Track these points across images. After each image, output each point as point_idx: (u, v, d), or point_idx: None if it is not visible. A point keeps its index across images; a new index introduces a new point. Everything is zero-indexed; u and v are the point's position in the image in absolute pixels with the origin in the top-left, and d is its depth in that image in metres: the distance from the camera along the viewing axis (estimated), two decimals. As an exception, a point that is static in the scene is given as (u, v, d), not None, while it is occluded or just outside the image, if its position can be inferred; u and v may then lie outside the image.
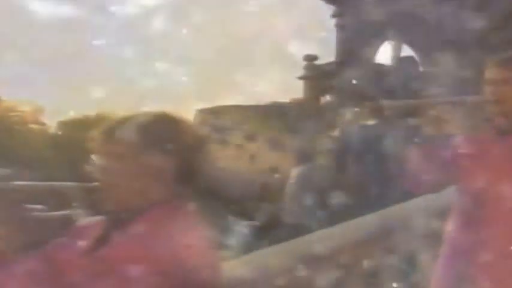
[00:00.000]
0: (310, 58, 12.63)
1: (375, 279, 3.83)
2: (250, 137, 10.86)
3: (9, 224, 1.48)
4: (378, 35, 11.62)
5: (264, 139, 10.77)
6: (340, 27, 12.42)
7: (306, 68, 12.59)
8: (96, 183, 1.51)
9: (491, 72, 2.23)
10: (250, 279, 3.15)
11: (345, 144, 8.74)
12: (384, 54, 11.85)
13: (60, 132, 20.87)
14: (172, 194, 1.51)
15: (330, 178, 7.77)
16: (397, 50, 11.52)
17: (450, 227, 2.31)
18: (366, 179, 7.33)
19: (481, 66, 2.35)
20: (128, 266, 1.41)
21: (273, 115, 11.29)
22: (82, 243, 1.49)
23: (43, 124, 21.33)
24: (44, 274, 1.48)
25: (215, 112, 11.49)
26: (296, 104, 12.01)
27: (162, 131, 1.53)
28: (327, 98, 11.85)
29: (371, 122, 2.43)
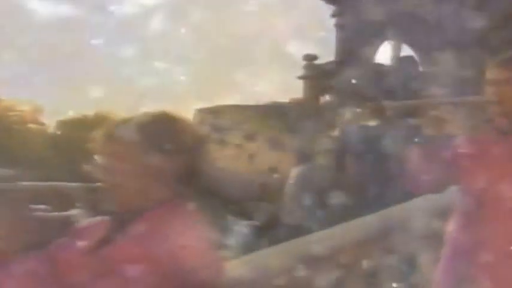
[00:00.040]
0: (310, 58, 12.62)
1: (374, 279, 3.82)
2: (250, 137, 10.84)
3: (12, 224, 1.47)
4: (377, 35, 11.61)
5: (263, 139, 10.76)
6: (339, 26, 12.40)
7: (306, 67, 12.58)
8: (98, 184, 1.51)
9: (492, 73, 2.22)
10: (249, 279, 3.13)
11: (344, 144, 8.72)
12: (384, 54, 11.84)
13: (59, 132, 20.85)
14: (173, 194, 1.50)
15: (330, 178, 7.76)
16: (396, 49, 11.50)
17: (451, 227, 2.29)
18: (366, 179, 7.31)
19: (481, 66, 2.34)
20: (129, 266, 1.41)
21: (272, 115, 11.28)
22: (84, 244, 1.48)
23: (42, 124, 21.30)
24: (45, 274, 1.47)
25: (214, 112, 11.47)
26: (296, 104, 11.99)
27: (162, 131, 1.53)
28: (327, 97, 11.83)
29: (372, 123, 2.41)
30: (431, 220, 3.61)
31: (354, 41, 11.70)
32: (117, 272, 1.42)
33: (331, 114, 9.75)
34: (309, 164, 8.25)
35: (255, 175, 9.58)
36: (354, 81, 10.26)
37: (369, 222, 4.28)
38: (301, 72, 12.65)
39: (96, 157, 1.51)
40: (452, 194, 2.34)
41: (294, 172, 8.43)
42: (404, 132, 2.41)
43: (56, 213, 1.51)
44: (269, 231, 6.93)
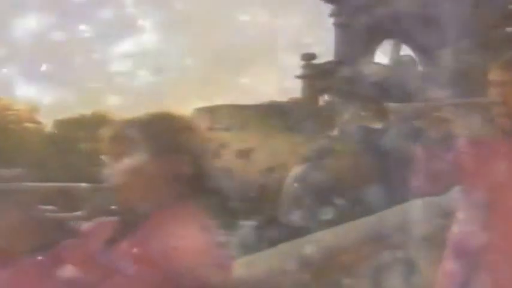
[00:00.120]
0: (309, 57, 12.63)
1: (375, 279, 3.81)
2: (249, 137, 10.80)
3: (19, 225, 1.46)
4: (376, 34, 11.62)
5: (262, 139, 10.71)
6: (338, 26, 12.40)
7: (304, 67, 12.59)
8: (104, 184, 1.51)
9: (496, 74, 2.21)
10: (249, 280, 3.11)
11: (344, 144, 8.72)
12: (383, 53, 11.86)
13: (56, 131, 20.82)
14: (177, 194, 1.50)
15: (329, 178, 7.73)
16: (396, 49, 11.51)
17: (454, 229, 2.28)
18: (366, 179, 7.31)
19: (483, 66, 2.33)
20: (135, 267, 1.40)
21: (271, 114, 11.25)
22: (91, 245, 1.49)
23: (39, 123, 21.27)
24: (51, 275, 1.46)
25: (213, 111, 11.43)
26: (294, 104, 12.00)
27: (165, 131, 1.53)
28: (326, 97, 11.85)
29: (376, 125, 2.40)
30: (432, 221, 3.61)
31: (353, 41, 11.71)
32: (123, 273, 1.41)
33: (330, 114, 9.75)
34: (308, 164, 8.23)
35: (254, 175, 9.55)
36: (353, 81, 10.27)
37: (369, 223, 4.28)
38: (299, 71, 12.67)
39: (103, 157, 1.52)
40: (455, 195, 2.33)
41: (293, 172, 8.40)
42: (408, 134, 2.42)
43: (63, 214, 1.51)
44: (268, 232, 6.90)
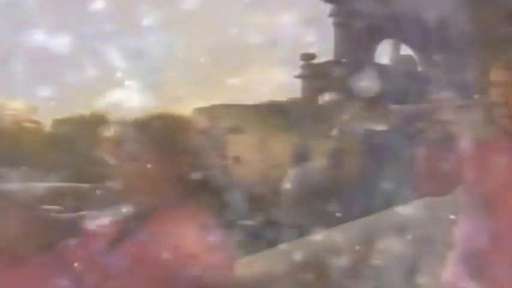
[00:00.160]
0: (308, 57, 12.66)
1: (375, 280, 3.81)
2: (247, 136, 10.80)
3: (25, 225, 1.49)
4: (376, 34, 11.64)
5: (261, 138, 10.71)
6: (338, 25, 12.42)
7: (304, 66, 12.62)
8: (109, 185, 1.54)
9: (497, 74, 2.20)
10: (249, 280, 3.10)
11: (343, 145, 8.73)
12: (383, 53, 11.88)
13: (55, 131, 20.81)
14: (180, 195, 1.53)
15: (328, 179, 7.72)
16: (396, 49, 11.53)
17: (460, 229, 2.27)
18: (365, 180, 7.31)
19: (483, 66, 2.33)
20: (138, 268, 1.43)
21: (270, 114, 11.25)
22: (96, 245, 1.51)
23: (38, 123, 21.25)
24: (57, 275, 1.49)
25: (212, 111, 11.43)
26: (294, 103, 12.03)
27: (169, 132, 1.56)
28: (325, 97, 11.88)
29: (377, 127, 2.40)
30: (432, 222, 3.60)
31: (353, 40, 11.73)
32: (125, 273, 1.44)
33: (329, 114, 9.76)
34: (308, 164, 8.22)
35: (254, 175, 9.54)
36: (352, 80, 10.27)
37: (369, 223, 4.28)
38: (299, 71, 12.71)
39: (104, 157, 1.55)
40: (459, 196, 2.33)
41: (292, 172, 8.39)
42: (410, 135, 2.42)
43: (67, 214, 1.53)
44: (266, 232, 6.89)
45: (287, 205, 7.80)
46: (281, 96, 12.14)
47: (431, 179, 2.25)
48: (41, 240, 1.49)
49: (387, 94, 8.23)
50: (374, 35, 11.73)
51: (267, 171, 9.60)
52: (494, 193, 2.16)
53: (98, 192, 1.56)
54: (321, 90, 12.01)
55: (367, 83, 9.86)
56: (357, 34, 11.73)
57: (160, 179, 1.52)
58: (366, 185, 6.90)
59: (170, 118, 1.59)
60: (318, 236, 4.15)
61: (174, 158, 1.53)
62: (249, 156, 10.07)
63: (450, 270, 2.28)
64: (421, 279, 3.60)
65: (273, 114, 11.23)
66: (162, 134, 1.55)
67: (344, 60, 11.69)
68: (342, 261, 3.80)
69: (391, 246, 3.98)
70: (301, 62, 12.73)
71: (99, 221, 1.56)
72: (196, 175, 1.56)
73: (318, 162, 8.12)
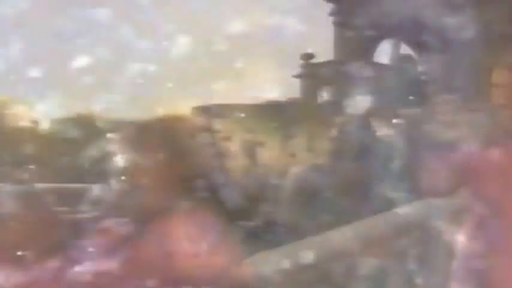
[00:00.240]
0: (307, 57, 12.64)
1: (376, 283, 3.77)
2: (246, 136, 10.75)
3: (33, 227, 1.50)
4: (376, 34, 11.62)
5: (260, 138, 10.65)
6: (338, 25, 12.40)
7: (303, 66, 12.60)
8: (117, 185, 1.55)
9: (500, 76, 2.17)
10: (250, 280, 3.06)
11: (343, 145, 8.71)
12: (383, 53, 11.86)
13: (53, 131, 20.74)
14: (184, 195, 1.55)
15: (328, 179, 7.68)
16: (396, 48, 11.51)
17: (464, 237, 2.24)
18: (366, 181, 7.29)
19: (484, 67, 2.30)
20: (145, 268, 1.46)
21: (269, 114, 11.20)
22: (103, 246, 1.53)
23: (35, 122, 21.17)
24: (65, 276, 1.50)
25: (211, 110, 11.36)
26: (293, 103, 11.99)
27: (175, 134, 1.59)
28: (325, 97, 11.87)
29: (387, 131, 2.38)
30: (435, 223, 3.56)
31: (353, 40, 11.72)
32: (134, 273, 1.47)
33: (329, 114, 9.73)
34: (307, 164, 8.19)
35: (252, 175, 9.48)
36: (351, 81, 10.26)
37: (370, 224, 4.26)
38: (298, 71, 12.69)
39: (115, 159, 1.56)
40: (463, 200, 2.30)
41: (292, 173, 8.35)
42: (417, 138, 2.40)
43: (76, 215, 1.53)
44: (266, 233, 6.83)
45: (287, 205, 7.77)
46: (280, 96, 12.09)
47: (436, 180, 2.21)
48: (51, 241, 1.50)
49: (388, 94, 8.20)
50: (374, 34, 11.71)
51: (266, 171, 9.56)
52: (501, 196, 2.13)
53: (107, 193, 1.57)
54: (321, 90, 11.99)
55: (366, 84, 9.84)
56: (357, 34, 11.71)
57: (164, 180, 1.53)
58: (367, 186, 6.88)
59: (173, 120, 1.61)
60: (318, 237, 4.12)
61: (177, 158, 1.55)
62: (249, 156, 10.02)
63: (456, 277, 2.24)
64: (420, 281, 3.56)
65: (272, 114, 11.19)
66: (166, 136, 1.57)
67: (344, 60, 11.67)
68: (342, 262, 3.77)
69: (392, 247, 3.94)
70: (301, 62, 12.72)
71: (108, 222, 1.57)
72: (197, 175, 1.58)
73: (318, 163, 8.09)
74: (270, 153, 9.78)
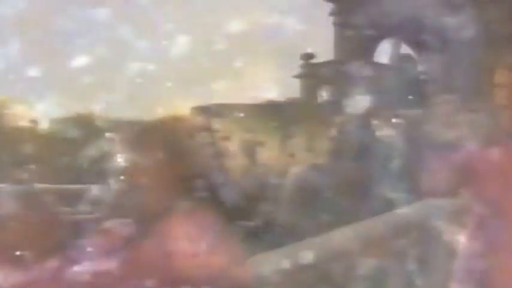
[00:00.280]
0: (307, 56, 12.62)
1: (376, 283, 3.76)
2: (246, 136, 10.74)
3: (35, 227, 1.50)
4: (376, 34, 11.61)
5: (259, 138, 10.64)
6: (338, 25, 12.39)
7: (303, 66, 12.59)
8: (118, 186, 1.56)
9: (503, 76, 2.16)
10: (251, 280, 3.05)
11: (343, 145, 8.70)
12: (383, 53, 11.85)
13: (52, 131, 20.70)
14: (184, 196, 1.54)
15: (328, 179, 7.67)
16: (396, 48, 11.50)
17: (465, 238, 2.24)
18: (366, 181, 7.28)
19: (484, 67, 2.30)
20: (148, 269, 1.46)
21: (269, 114, 11.18)
22: (103, 246, 1.53)
23: (35, 122, 21.13)
24: (67, 276, 1.49)
25: (211, 110, 11.34)
26: (293, 103, 11.98)
27: (176, 135, 1.59)
28: (325, 97, 11.85)
29: (387, 131, 2.38)
30: (437, 223, 3.55)
31: (353, 40, 11.71)
32: (134, 273, 1.46)
33: (329, 114, 9.71)
34: (307, 164, 8.18)
35: (252, 176, 9.47)
36: (352, 80, 10.25)
37: (372, 225, 4.25)
38: (298, 70, 12.68)
39: (118, 159, 1.57)
40: (463, 200, 2.30)
41: (292, 172, 8.34)
42: (418, 138, 2.40)
43: (78, 216, 1.54)
44: (266, 233, 6.82)
45: (287, 205, 7.76)
46: (280, 96, 12.09)
47: (434, 181, 2.21)
48: (49, 241, 1.50)
49: (388, 94, 8.19)
50: (374, 34, 11.70)
51: (266, 171, 9.55)
52: (502, 196, 2.12)
53: (109, 193, 1.58)
54: (320, 90, 11.98)
55: (366, 84, 9.83)
56: (357, 34, 11.70)
57: (163, 180, 1.54)
58: (367, 186, 6.87)
59: (172, 119, 1.62)
60: (318, 238, 4.11)
61: (176, 158, 1.56)
62: (248, 156, 10.01)
63: (457, 278, 2.24)
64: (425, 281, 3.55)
65: (272, 114, 11.18)
66: (166, 136, 1.58)
67: (344, 60, 11.65)
68: (342, 262, 3.76)
69: (392, 248, 3.93)
70: (301, 62, 12.70)
71: (111, 223, 1.57)
72: (197, 175, 1.58)
73: (318, 163, 8.09)
74: (269, 153, 9.77)
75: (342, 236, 4.07)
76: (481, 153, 2.22)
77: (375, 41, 12.04)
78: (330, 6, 12.65)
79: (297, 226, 6.83)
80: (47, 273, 1.49)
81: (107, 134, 1.64)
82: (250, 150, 10.06)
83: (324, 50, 12.50)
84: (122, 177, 1.57)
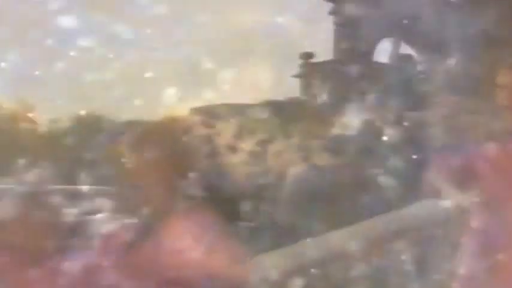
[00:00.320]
0: (307, 56, 12.61)
1: (376, 283, 3.76)
2: (245, 137, 10.74)
3: (43, 227, 1.52)
4: (376, 33, 11.59)
5: (258, 138, 10.63)
6: (338, 24, 12.37)
7: (303, 66, 12.57)
8: (126, 187, 1.58)
9: (505, 77, 2.15)
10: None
11: (343, 145, 8.69)
12: (383, 52, 11.83)
13: (51, 131, 20.66)
14: (184, 197, 1.55)
15: (328, 179, 7.66)
16: (396, 48, 11.48)
17: (466, 237, 2.23)
18: (366, 181, 7.28)
19: (485, 67, 2.29)
20: (154, 270, 1.46)
21: (268, 114, 11.17)
22: (112, 247, 1.54)
23: (34, 122, 21.09)
24: (74, 276, 1.51)
25: (209, 111, 11.34)
26: (293, 103, 11.97)
27: (170, 135, 1.60)
28: (325, 97, 11.84)
29: (387, 131, 2.38)
30: (441, 223, 3.55)
31: (353, 39, 11.70)
32: (143, 275, 1.47)
33: (329, 114, 9.70)
34: (307, 164, 8.17)
35: (251, 176, 9.46)
36: (351, 80, 10.23)
37: (373, 225, 4.24)
38: (297, 70, 12.66)
39: (124, 160, 1.58)
40: (464, 200, 2.29)
41: (291, 173, 8.33)
42: (416, 137, 2.39)
43: (86, 216, 1.55)
44: (265, 233, 6.82)
45: (286, 205, 7.75)
46: (280, 96, 12.08)
47: (435, 181, 2.20)
48: (49, 241, 1.51)
49: (388, 94, 8.18)
50: (374, 34, 11.69)
51: (266, 171, 9.55)
52: (501, 195, 2.12)
53: (117, 194, 1.60)
54: (320, 90, 11.97)
55: (366, 84, 9.81)
56: (357, 33, 11.69)
57: (163, 180, 1.55)
58: (367, 186, 6.87)
59: (173, 120, 1.63)
60: (318, 238, 4.10)
61: (176, 159, 1.57)
62: (248, 156, 10.01)
63: (466, 264, 2.23)
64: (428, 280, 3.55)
65: (271, 114, 11.17)
66: (166, 136, 1.59)
67: (344, 60, 11.64)
68: (342, 263, 3.75)
69: (392, 248, 3.92)
70: (300, 61, 12.69)
71: (116, 224, 1.59)
72: (196, 175, 1.59)
73: (318, 163, 8.08)
74: (270, 153, 9.76)
75: (342, 237, 4.07)
76: (482, 153, 2.21)
77: (374, 40, 12.03)
78: (330, 6, 12.64)
79: (297, 226, 6.82)
80: (47, 273, 1.49)
81: (107, 134, 1.63)
82: (250, 150, 10.05)
83: (324, 50, 12.49)
84: (121, 178, 1.57)
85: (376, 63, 12.01)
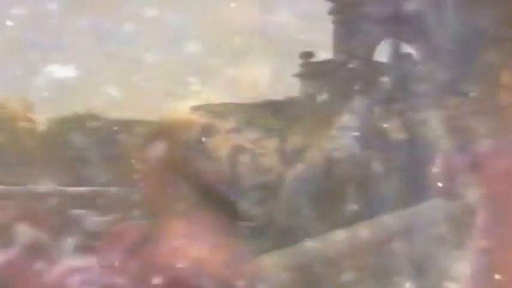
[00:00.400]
0: (307, 55, 12.60)
1: (383, 281, 3.75)
2: (245, 137, 10.73)
3: (51, 227, 1.54)
4: (376, 32, 11.58)
5: (258, 138, 10.62)
6: (338, 24, 12.36)
7: (303, 65, 12.56)
8: (133, 188, 1.58)
9: (506, 77, 2.14)
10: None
11: (343, 145, 8.68)
12: (383, 52, 11.82)
13: (49, 130, 20.64)
14: (188, 198, 1.56)
15: (327, 180, 7.66)
16: (396, 47, 11.47)
17: (472, 238, 2.22)
18: (366, 181, 7.26)
19: (488, 67, 2.28)
20: (160, 271, 1.46)
21: (268, 113, 11.16)
22: (119, 248, 1.55)
23: (33, 121, 21.07)
24: (84, 276, 1.50)
25: (208, 111, 11.25)
26: (293, 103, 11.97)
27: (170, 135, 1.60)
28: (325, 96, 11.83)
29: (388, 131, 2.37)
30: (445, 223, 3.54)
31: (352, 39, 11.69)
32: (150, 276, 1.48)
33: (329, 114, 9.69)
34: (306, 164, 8.16)
35: (251, 175, 9.45)
36: (351, 80, 10.22)
37: (375, 225, 4.24)
38: (297, 69, 12.65)
39: (132, 161, 1.59)
40: (470, 200, 2.28)
41: (291, 173, 8.33)
42: (417, 137, 2.39)
43: (93, 218, 1.56)
44: (265, 233, 6.81)
45: (286, 205, 7.74)
46: (280, 96, 12.07)
47: (440, 181, 2.20)
48: (71, 242, 1.56)
49: (388, 94, 8.17)
50: (374, 33, 11.67)
51: (265, 170, 9.54)
52: (506, 195, 2.10)
53: (124, 195, 1.60)
54: (320, 89, 11.96)
55: (366, 84, 9.80)
56: (357, 32, 11.68)
57: (164, 180, 1.54)
58: (367, 186, 6.85)
59: (173, 120, 1.62)
60: (318, 238, 4.10)
61: (176, 159, 1.56)
62: (248, 156, 10.00)
63: (471, 264, 2.22)
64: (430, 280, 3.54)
65: (271, 113, 11.15)
66: (166, 136, 1.58)
67: (344, 59, 11.63)
68: (341, 263, 3.74)
69: (392, 248, 3.92)
70: (300, 61, 12.67)
71: (124, 225, 1.60)
72: (196, 175, 1.58)
73: (318, 163, 8.07)
74: (269, 153, 9.75)
75: (341, 237, 4.06)
76: (485, 153, 2.20)
77: (374, 40, 12.02)
78: (330, 6, 12.63)
79: (297, 226, 6.81)
80: (54, 274, 1.50)
81: (107, 135, 1.61)
82: (250, 150, 10.04)
83: (324, 49, 12.47)
84: (121, 178, 1.57)
85: (376, 62, 12.01)
